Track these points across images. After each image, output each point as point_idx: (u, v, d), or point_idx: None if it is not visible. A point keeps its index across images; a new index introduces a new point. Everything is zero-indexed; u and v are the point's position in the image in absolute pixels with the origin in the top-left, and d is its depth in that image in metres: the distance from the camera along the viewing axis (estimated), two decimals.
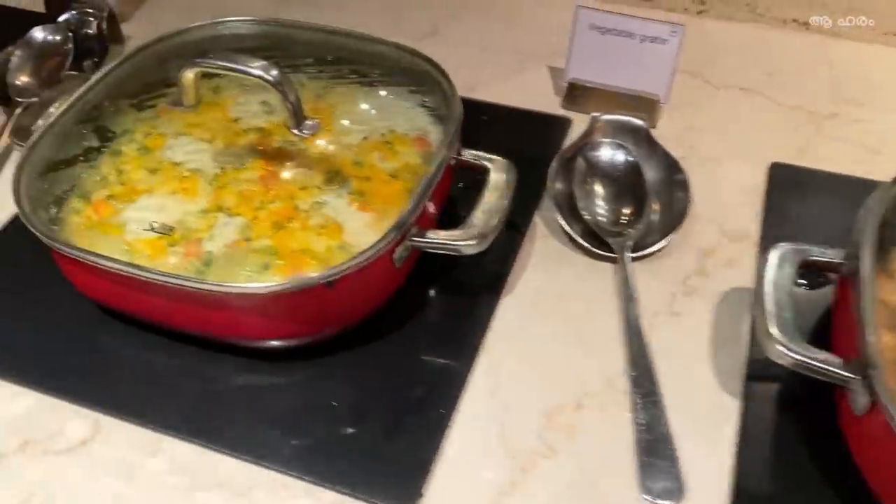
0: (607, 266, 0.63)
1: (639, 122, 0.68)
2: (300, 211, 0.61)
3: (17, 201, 0.55)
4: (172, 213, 0.61)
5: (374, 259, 0.52)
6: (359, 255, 0.52)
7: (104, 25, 0.82)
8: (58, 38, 0.80)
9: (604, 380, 0.56)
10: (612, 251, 0.63)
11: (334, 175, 0.64)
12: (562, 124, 0.76)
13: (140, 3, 0.93)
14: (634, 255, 0.62)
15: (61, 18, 0.82)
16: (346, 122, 0.69)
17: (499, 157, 0.60)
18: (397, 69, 0.69)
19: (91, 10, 0.83)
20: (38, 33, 0.80)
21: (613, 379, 0.56)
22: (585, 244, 0.63)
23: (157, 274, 0.52)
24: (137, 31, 0.88)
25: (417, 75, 0.68)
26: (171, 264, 0.58)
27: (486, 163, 0.60)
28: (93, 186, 0.63)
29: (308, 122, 0.58)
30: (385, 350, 0.58)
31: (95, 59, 0.81)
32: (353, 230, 0.60)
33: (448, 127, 0.63)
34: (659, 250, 0.63)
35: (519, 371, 0.57)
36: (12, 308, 0.62)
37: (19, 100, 0.75)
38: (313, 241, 0.59)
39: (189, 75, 0.58)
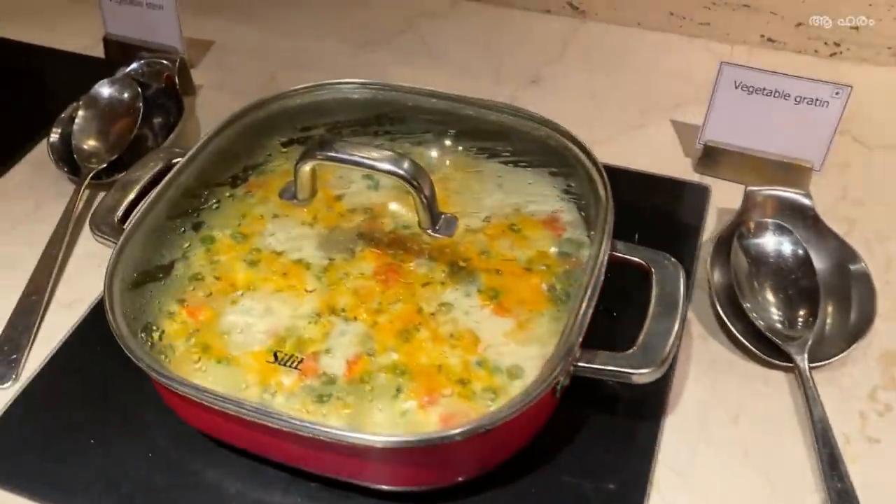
0: (779, 377, 0.54)
1: (804, 199, 0.59)
2: (425, 314, 0.53)
3: (113, 320, 0.47)
4: (279, 318, 0.53)
5: (537, 399, 0.44)
6: (522, 399, 0.43)
7: (176, 76, 0.74)
8: (126, 94, 0.72)
9: None
10: (783, 359, 0.54)
11: (459, 268, 0.56)
12: (699, 193, 0.67)
13: (207, 48, 0.85)
14: (811, 364, 0.54)
15: (128, 69, 0.75)
16: (463, 201, 0.61)
17: (664, 256, 0.51)
18: (522, 139, 0.61)
19: (161, 59, 0.75)
20: (105, 89, 0.72)
21: None
22: (756, 351, 0.54)
23: (278, 418, 0.44)
24: (208, 80, 0.80)
25: (546, 146, 0.60)
26: (285, 387, 0.50)
27: (646, 262, 0.52)
28: (186, 283, 0.55)
29: (444, 219, 0.49)
30: (537, 486, 0.50)
31: (171, 119, 0.73)
32: (491, 340, 0.52)
33: (594, 214, 0.55)
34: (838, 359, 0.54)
35: None
36: (102, 433, 0.53)
37: (89, 166, 0.68)
38: (447, 354, 0.51)
39: (306, 168, 0.50)
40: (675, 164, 0.70)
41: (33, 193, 0.69)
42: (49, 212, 0.67)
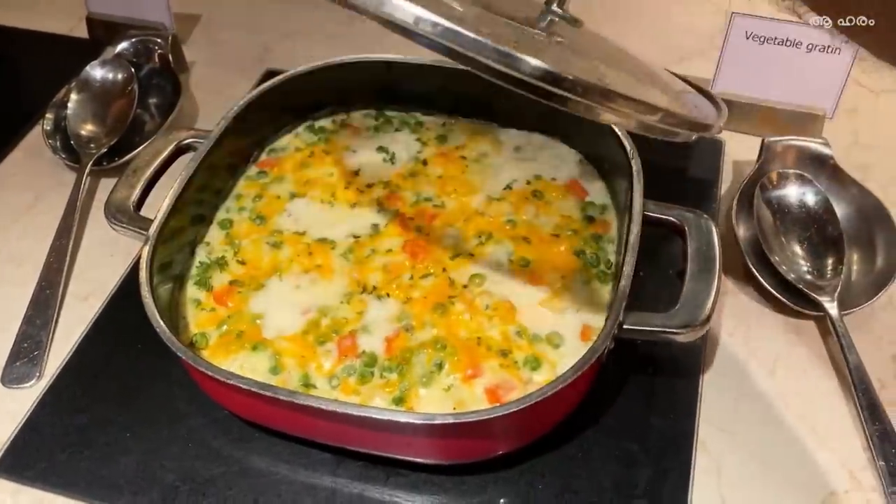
0: (810, 326, 0.55)
1: (824, 148, 0.59)
2: (458, 287, 0.52)
3: (155, 316, 0.46)
4: (311, 299, 0.52)
5: (589, 366, 0.44)
6: (573, 370, 0.43)
7: (169, 54, 0.72)
8: (120, 75, 0.69)
9: (847, 474, 0.48)
10: (813, 308, 0.55)
11: (487, 237, 0.55)
12: (713, 147, 0.67)
13: (195, 22, 0.82)
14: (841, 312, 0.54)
15: (118, 49, 0.72)
16: (481, 170, 0.60)
17: (695, 213, 0.51)
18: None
19: (152, 37, 0.72)
20: (97, 71, 0.69)
21: (857, 473, 0.48)
22: (787, 302, 0.54)
23: (326, 403, 0.43)
24: (199, 55, 0.78)
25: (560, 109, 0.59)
26: (326, 369, 0.49)
27: (678, 220, 0.51)
28: (209, 269, 0.54)
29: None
30: (584, 451, 0.49)
31: (167, 99, 0.70)
32: (527, 309, 0.51)
33: (617, 176, 0.54)
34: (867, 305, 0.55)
35: (746, 471, 0.48)
36: (137, 426, 0.51)
37: (89, 152, 0.65)
38: (485, 326, 0.50)
39: None
40: None
41: (31, 183, 0.67)
42: (50, 202, 0.65)
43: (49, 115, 0.68)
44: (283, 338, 0.50)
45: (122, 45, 0.71)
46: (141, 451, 0.50)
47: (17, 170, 0.68)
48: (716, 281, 0.48)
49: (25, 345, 0.55)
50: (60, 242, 0.61)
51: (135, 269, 0.59)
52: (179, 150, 0.57)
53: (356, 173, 0.60)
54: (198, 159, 0.54)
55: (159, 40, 0.71)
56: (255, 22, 0.82)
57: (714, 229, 0.50)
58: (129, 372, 0.54)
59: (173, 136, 0.58)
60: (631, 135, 0.54)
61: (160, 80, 0.71)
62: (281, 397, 0.43)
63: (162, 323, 0.45)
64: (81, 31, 0.81)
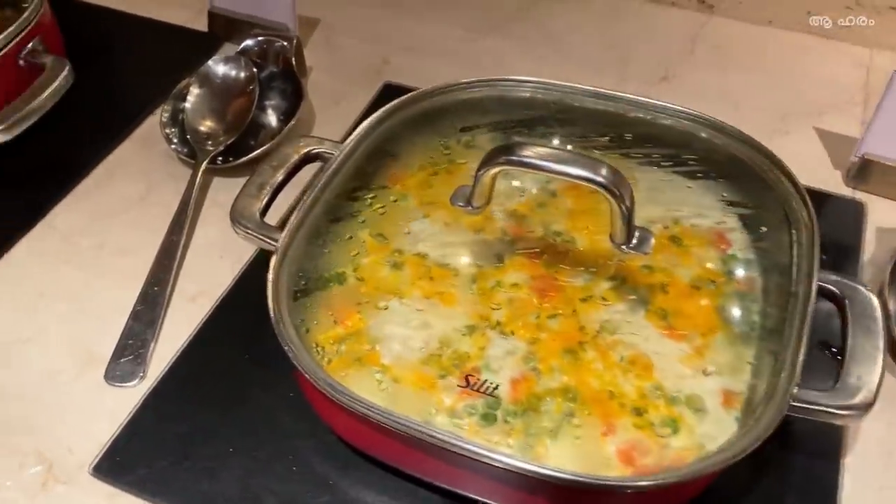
0: None
1: None
2: (588, 333, 0.50)
3: (283, 329, 0.44)
4: (432, 328, 0.50)
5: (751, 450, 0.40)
6: (739, 449, 0.39)
7: (293, 58, 0.70)
8: (242, 73, 0.68)
9: None
10: None
11: (621, 282, 0.52)
12: (854, 210, 0.63)
13: (314, 26, 0.81)
14: None
15: (241, 47, 0.71)
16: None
17: (857, 283, 0.47)
18: (683, 144, 0.56)
19: (277, 38, 0.71)
20: (219, 67, 0.68)
21: None
22: None
23: (459, 444, 0.40)
24: (317, 61, 0.76)
25: (715, 153, 0.55)
26: (445, 406, 0.46)
27: (838, 290, 0.48)
28: (331, 285, 0.51)
29: (639, 234, 0.45)
30: None
31: (286, 102, 0.68)
32: (665, 366, 0.48)
33: (777, 234, 0.51)
34: None
35: None
36: (240, 440, 0.49)
37: (206, 149, 0.64)
38: (618, 379, 0.47)
39: (490, 174, 0.46)
40: (822, 176, 0.66)
41: (143, 174, 0.66)
42: (161, 194, 0.64)
43: (167, 107, 0.68)
44: (402, 366, 0.48)
45: (246, 43, 0.70)
46: (243, 469, 0.48)
47: (129, 158, 0.67)
48: (881, 361, 0.44)
49: (131, 341, 0.54)
50: (172, 239, 0.59)
51: (248, 274, 0.58)
52: (307, 159, 0.56)
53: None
54: (330, 172, 0.52)
55: (284, 43, 0.70)
56: (374, 31, 0.80)
57: (877, 304, 0.47)
58: (235, 381, 0.52)
59: (302, 144, 0.56)
60: None
61: (280, 83, 0.69)
62: (402, 428, 0.40)
63: (296, 339, 0.43)
64: (198, 24, 0.80)
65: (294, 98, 0.69)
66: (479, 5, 0.84)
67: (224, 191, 0.65)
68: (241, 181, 0.64)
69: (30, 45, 0.64)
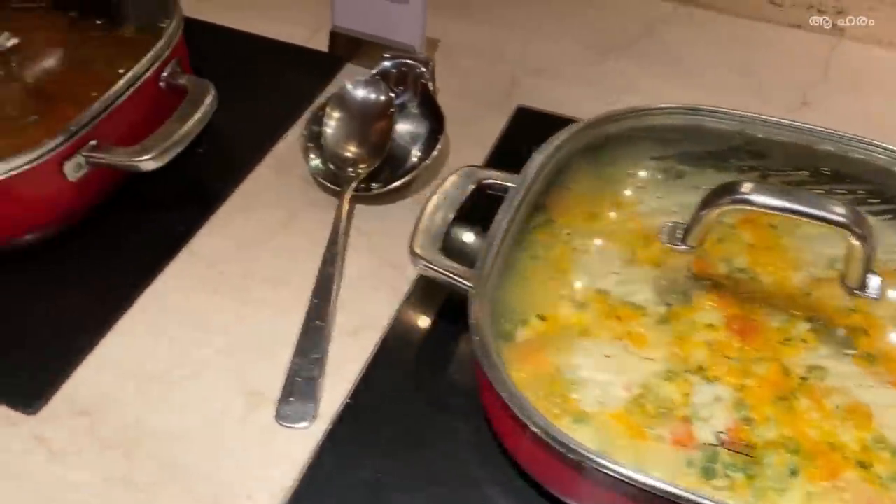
0: None
1: None
2: (794, 378, 0.47)
3: (507, 385, 0.41)
4: (629, 372, 0.48)
5: None
6: None
7: (430, 81, 0.68)
8: (381, 97, 0.65)
9: None
10: None
11: (821, 323, 0.50)
12: None
13: (434, 47, 0.79)
14: None
15: (377, 69, 0.69)
16: (796, 240, 0.54)
17: None
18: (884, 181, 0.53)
19: (412, 62, 0.68)
20: (358, 90, 0.66)
21: None
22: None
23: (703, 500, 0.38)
24: (443, 83, 0.74)
25: None
26: (664, 457, 0.44)
27: None
28: (517, 326, 0.49)
29: (875, 281, 0.43)
30: None
31: (422, 128, 0.66)
32: (883, 414, 0.45)
33: None
34: None
35: None
36: (429, 492, 0.47)
37: (349, 175, 0.62)
38: (838, 430, 0.45)
39: (713, 214, 0.44)
40: None
41: (282, 200, 0.64)
42: (304, 223, 0.62)
43: (304, 131, 0.65)
44: (606, 414, 0.46)
45: (383, 66, 0.68)
46: None
47: (266, 182, 0.65)
48: None
49: (298, 379, 0.51)
50: (327, 271, 0.57)
51: (408, 307, 0.56)
52: (479, 191, 0.54)
53: (643, 228, 0.55)
54: (512, 207, 0.50)
55: (421, 67, 0.68)
56: (497, 52, 0.78)
57: None
58: (412, 423, 0.50)
59: (471, 175, 0.54)
60: None
61: (416, 109, 0.67)
62: (675, 494, 0.38)
63: (516, 390, 0.40)
64: (313, 43, 0.78)
65: (431, 123, 0.67)
66: (601, 27, 0.81)
67: (366, 218, 0.62)
68: (383, 208, 0.63)
69: (169, 66, 0.62)
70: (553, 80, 0.75)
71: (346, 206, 0.61)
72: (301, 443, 0.49)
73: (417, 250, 0.49)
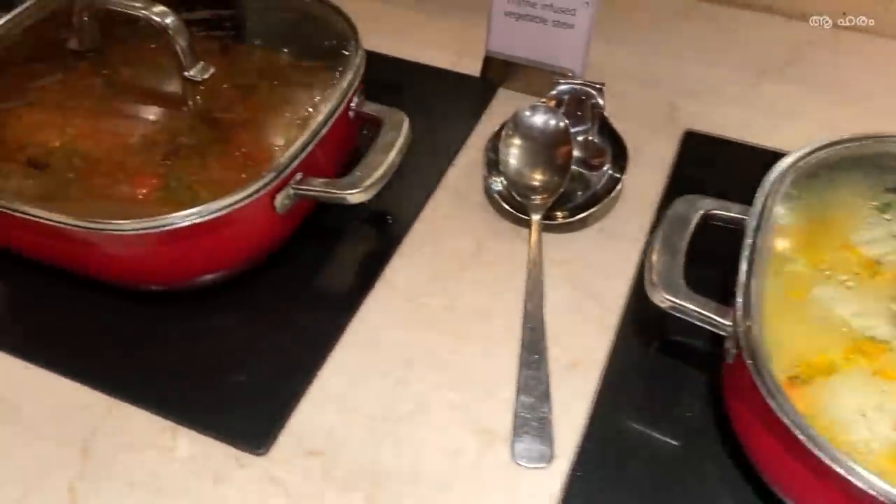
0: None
1: None
2: None
3: (817, 441, 0.40)
4: (889, 409, 0.47)
5: None
6: None
7: (604, 107, 0.67)
8: (559, 124, 0.64)
9: None
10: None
11: None
12: None
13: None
14: None
15: (551, 94, 0.67)
16: None
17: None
18: None
19: (584, 88, 0.68)
20: (536, 117, 0.65)
21: None
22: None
23: None
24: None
25: None
26: None
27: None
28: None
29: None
30: None
31: (607, 156, 0.65)
32: None
33: None
34: None
35: None
36: None
37: (535, 203, 0.61)
38: None
39: None
40: None
41: (466, 229, 0.63)
42: (493, 253, 0.61)
43: (484, 160, 0.65)
44: (880, 456, 0.44)
45: (560, 89, 0.67)
46: None
47: (446, 214, 0.64)
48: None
49: (527, 416, 0.50)
50: (533, 303, 0.56)
51: (623, 340, 0.55)
52: (705, 221, 0.53)
53: (878, 262, 0.54)
54: (754, 240, 0.49)
55: (594, 92, 0.67)
56: (649, 75, 0.77)
57: None
58: (654, 461, 0.49)
59: (697, 204, 0.53)
60: None
61: (593, 135, 0.67)
62: None
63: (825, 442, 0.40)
64: (463, 67, 0.77)
65: (610, 149, 0.65)
66: (751, 50, 0.81)
67: (554, 247, 0.61)
68: (568, 237, 0.62)
69: (356, 96, 0.61)
70: (713, 104, 0.74)
71: (535, 236, 0.60)
72: (543, 484, 0.48)
73: (661, 289, 0.48)
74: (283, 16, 0.68)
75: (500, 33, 0.74)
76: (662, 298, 0.48)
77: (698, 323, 0.48)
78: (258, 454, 0.49)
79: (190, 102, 0.60)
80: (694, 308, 0.47)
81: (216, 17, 0.66)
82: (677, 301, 0.48)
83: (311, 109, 0.58)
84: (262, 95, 0.59)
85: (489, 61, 0.76)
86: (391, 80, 0.75)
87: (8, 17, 0.64)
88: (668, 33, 0.83)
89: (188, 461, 0.49)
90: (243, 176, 0.54)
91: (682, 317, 0.48)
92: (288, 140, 0.56)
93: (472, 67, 0.78)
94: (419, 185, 0.66)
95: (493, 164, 0.65)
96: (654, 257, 0.50)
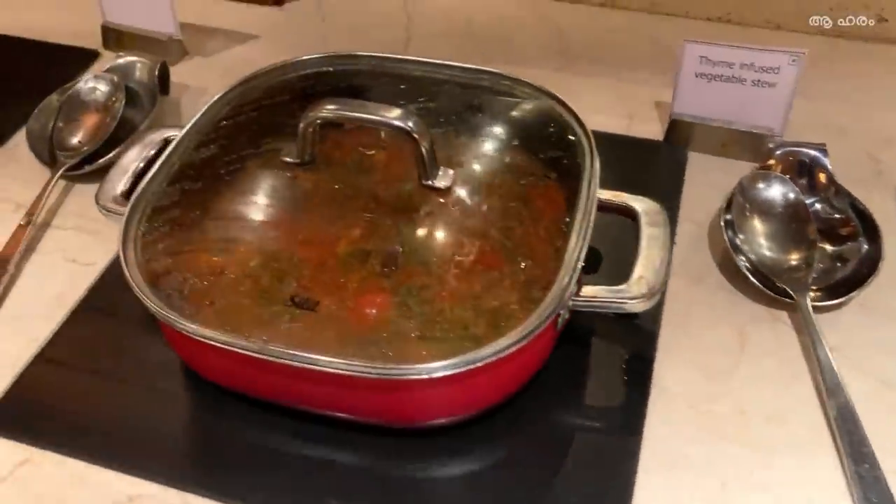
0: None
1: None
2: None
3: None
4: None
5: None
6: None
7: (831, 171, 0.63)
8: (794, 195, 0.59)
9: None
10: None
11: None
12: None
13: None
14: None
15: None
16: None
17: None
18: None
19: (803, 150, 0.63)
20: (771, 189, 0.60)
21: None
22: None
23: None
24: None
25: None
26: None
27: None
28: None
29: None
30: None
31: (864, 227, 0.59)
32: None
33: None
34: None
35: None
36: None
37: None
38: None
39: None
40: None
41: (719, 315, 0.57)
42: (759, 342, 0.56)
43: (724, 238, 0.59)
44: None
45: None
46: None
47: (685, 299, 0.58)
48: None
49: None
50: (839, 401, 0.50)
51: None
52: None
53: None
54: None
55: (818, 155, 0.62)
56: (834, 125, 0.72)
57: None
58: None
59: None
60: None
61: (825, 203, 0.62)
62: None
63: None
64: (636, 131, 0.73)
65: (851, 213, 0.61)
66: None
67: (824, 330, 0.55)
68: (830, 316, 0.56)
69: None
70: None
71: (810, 319, 0.54)
72: None
73: None
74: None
75: (687, 94, 0.70)
76: None
77: None
78: None
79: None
80: None
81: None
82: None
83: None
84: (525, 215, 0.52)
85: (675, 124, 0.71)
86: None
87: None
88: (843, 81, 0.78)
89: None
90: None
91: None
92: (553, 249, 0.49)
93: (647, 130, 0.73)
94: None
95: (732, 242, 0.60)
96: None
